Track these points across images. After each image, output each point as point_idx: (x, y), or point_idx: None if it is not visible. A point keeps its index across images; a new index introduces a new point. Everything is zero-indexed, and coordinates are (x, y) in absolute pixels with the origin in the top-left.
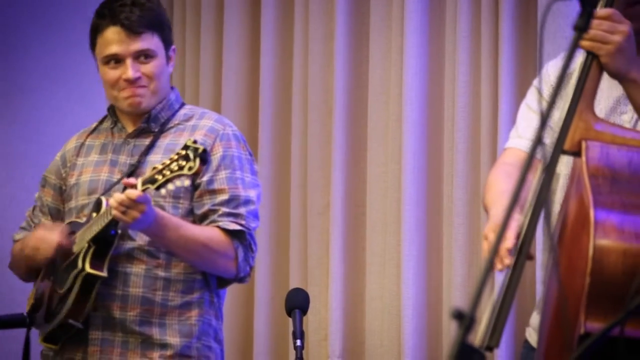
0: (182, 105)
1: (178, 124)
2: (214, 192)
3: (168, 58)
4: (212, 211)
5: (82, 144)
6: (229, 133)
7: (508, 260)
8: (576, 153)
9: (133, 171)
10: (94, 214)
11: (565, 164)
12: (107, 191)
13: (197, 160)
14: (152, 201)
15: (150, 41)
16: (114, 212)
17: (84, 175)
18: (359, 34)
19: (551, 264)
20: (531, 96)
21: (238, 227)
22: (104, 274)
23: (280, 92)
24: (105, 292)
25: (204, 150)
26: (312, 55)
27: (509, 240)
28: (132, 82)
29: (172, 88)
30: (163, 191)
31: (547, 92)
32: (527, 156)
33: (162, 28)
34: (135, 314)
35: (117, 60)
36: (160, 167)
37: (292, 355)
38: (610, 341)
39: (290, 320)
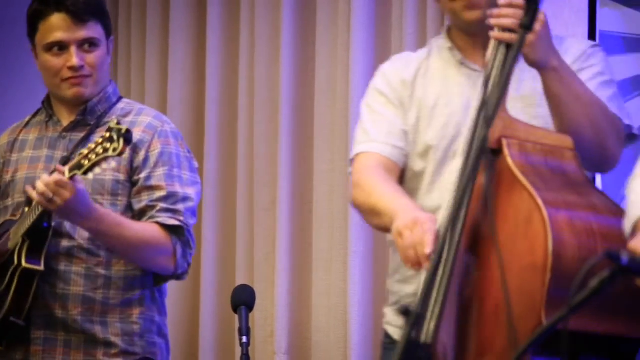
0: (120, 98)
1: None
2: (151, 189)
3: (108, 49)
4: (150, 207)
5: (16, 140)
6: (167, 130)
7: (425, 263)
8: (494, 151)
9: (65, 163)
10: (27, 209)
11: (431, 161)
12: None
13: (121, 141)
14: (88, 193)
15: (95, 29)
16: (37, 199)
17: (20, 172)
18: (305, 31)
19: (473, 269)
20: (373, 98)
21: (177, 223)
22: (41, 267)
23: (227, 89)
24: (46, 291)
25: (127, 130)
26: (259, 52)
27: (428, 247)
28: (76, 70)
29: (111, 81)
30: (91, 175)
31: (392, 95)
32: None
33: (105, 17)
34: (77, 312)
35: (61, 47)
36: (85, 152)
37: (238, 352)
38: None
39: (236, 316)
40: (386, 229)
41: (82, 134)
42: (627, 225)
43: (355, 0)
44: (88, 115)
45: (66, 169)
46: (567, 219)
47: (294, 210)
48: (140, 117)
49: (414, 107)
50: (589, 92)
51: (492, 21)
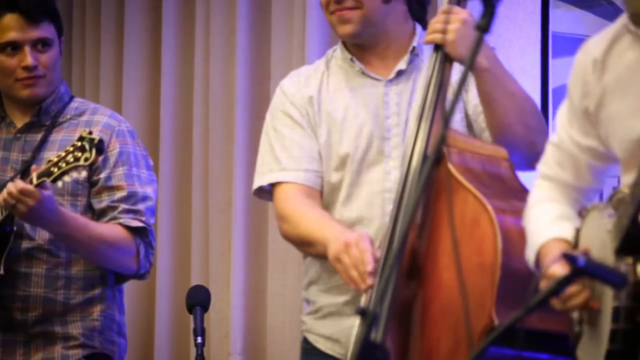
0: (72, 98)
1: (70, 118)
2: (112, 189)
3: (60, 49)
4: (111, 207)
5: None
6: (124, 129)
7: (370, 281)
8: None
9: (27, 168)
10: None
11: (347, 172)
12: (1, 189)
13: (94, 151)
14: (54, 199)
15: (48, 30)
16: (4, 203)
17: None
18: (260, 29)
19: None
20: (279, 120)
21: (140, 224)
22: (1, 272)
23: (182, 88)
24: (6, 293)
25: (100, 141)
26: (214, 50)
27: (369, 264)
28: (30, 71)
29: (62, 80)
30: (60, 184)
31: (297, 114)
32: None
33: (57, 18)
34: (37, 314)
35: (14, 47)
36: (55, 159)
37: (193, 353)
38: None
39: (191, 317)
40: (322, 257)
41: (38, 135)
42: (530, 254)
43: (310, 0)
44: (42, 116)
45: (34, 175)
46: (512, 220)
47: (249, 211)
48: (95, 117)
49: (323, 122)
50: (521, 89)
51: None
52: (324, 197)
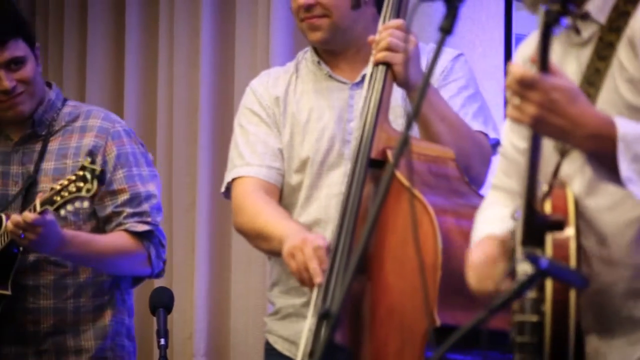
0: (65, 102)
1: (65, 125)
2: (114, 193)
3: (35, 57)
4: (116, 213)
5: None
6: (119, 130)
7: (319, 279)
8: (377, 163)
9: (32, 183)
10: None
11: (308, 175)
12: (8, 205)
13: (95, 182)
14: (53, 211)
15: (17, 47)
16: (11, 234)
17: None
18: (225, 32)
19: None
20: (245, 118)
21: (146, 228)
22: (8, 292)
23: (146, 90)
24: (16, 307)
25: (102, 172)
26: (178, 53)
27: (323, 263)
28: (9, 93)
29: (49, 85)
30: (62, 212)
31: (264, 113)
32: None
33: (24, 30)
34: (49, 325)
35: None
36: (58, 187)
37: (157, 354)
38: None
39: (154, 318)
40: (275, 253)
41: (36, 146)
42: (473, 240)
43: (275, 2)
44: (37, 127)
45: (38, 203)
46: (454, 220)
47: (213, 212)
48: (89, 121)
49: (288, 123)
50: (453, 113)
51: (374, 46)
52: (284, 198)
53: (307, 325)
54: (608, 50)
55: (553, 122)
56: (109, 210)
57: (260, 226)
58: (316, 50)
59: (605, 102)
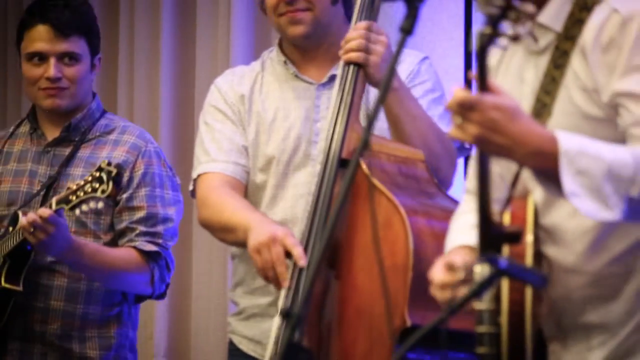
0: (103, 113)
1: (99, 135)
2: (132, 209)
3: (92, 65)
4: (129, 229)
5: (0, 151)
6: (150, 150)
7: (286, 283)
8: (348, 163)
9: (52, 184)
10: (10, 228)
11: (273, 174)
12: (27, 204)
13: (110, 184)
14: (71, 219)
15: (76, 44)
16: (23, 232)
17: (3, 184)
18: (185, 32)
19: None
20: (211, 115)
21: (154, 249)
22: (19, 287)
23: (106, 91)
24: (26, 304)
25: (118, 174)
26: (138, 54)
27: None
28: (53, 82)
29: (94, 95)
30: (77, 211)
31: (229, 111)
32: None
33: (90, 34)
34: (56, 327)
35: (41, 57)
36: (74, 187)
37: None
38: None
39: None
40: (240, 244)
41: (66, 150)
42: (446, 251)
43: (236, 2)
44: (72, 132)
45: (54, 201)
46: (425, 221)
47: None
48: (124, 136)
49: (253, 121)
50: (425, 114)
51: (343, 45)
52: (249, 196)
53: (275, 326)
54: (563, 58)
55: (494, 140)
56: (124, 224)
57: (225, 218)
58: (282, 50)
59: (561, 111)
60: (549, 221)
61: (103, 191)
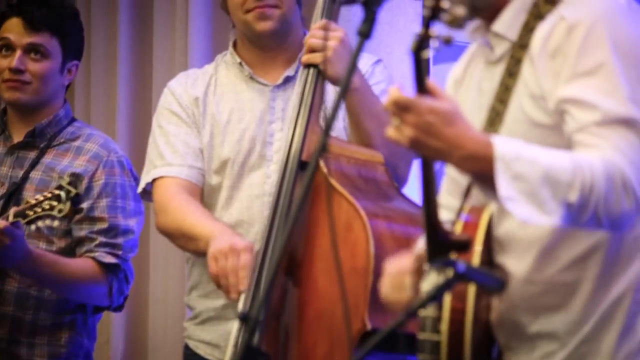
0: (71, 121)
1: (63, 142)
2: (93, 220)
3: (65, 69)
4: (89, 239)
5: None
6: (113, 160)
7: (235, 295)
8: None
9: (15, 190)
10: None
11: (228, 175)
12: None
13: (68, 204)
14: (25, 225)
15: (46, 40)
16: None
17: None
18: (142, 35)
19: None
20: (165, 118)
21: (113, 261)
22: None
23: None
24: None
25: (76, 194)
26: (95, 56)
27: (242, 284)
28: (14, 73)
29: (65, 102)
30: (33, 226)
31: (184, 113)
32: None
33: (66, 36)
34: (4, 332)
35: (8, 48)
36: (33, 202)
37: None
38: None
39: None
40: (200, 254)
41: (31, 154)
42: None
43: (193, 4)
44: (37, 137)
45: (11, 213)
46: (385, 225)
47: None
48: (87, 144)
49: (207, 124)
50: (385, 112)
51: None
52: (204, 198)
53: (234, 329)
54: (516, 67)
55: (429, 144)
56: (83, 233)
57: (187, 227)
58: (237, 52)
59: (513, 120)
60: (502, 231)
61: (60, 211)
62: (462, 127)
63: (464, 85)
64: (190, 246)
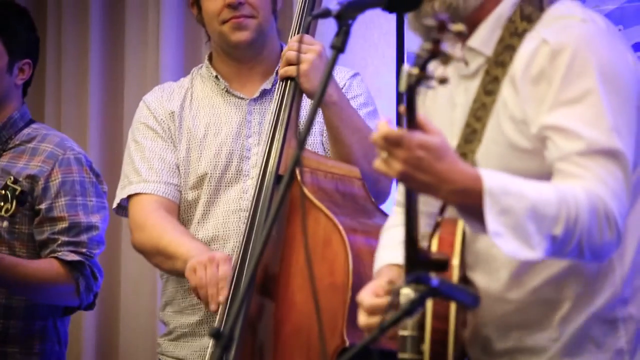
0: (29, 123)
1: (19, 144)
2: (53, 220)
3: (15, 69)
4: (51, 240)
5: None
6: (69, 157)
7: (214, 307)
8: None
9: None
10: None
11: (205, 191)
12: None
13: (14, 203)
14: None
15: None
16: None
17: None
18: (114, 47)
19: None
20: (141, 133)
21: (77, 258)
22: None
23: (33, 105)
24: None
25: (22, 192)
26: (66, 69)
27: (222, 294)
28: None
29: (22, 104)
30: None
31: (160, 128)
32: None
33: (10, 35)
34: None
35: None
36: None
37: None
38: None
39: None
40: (177, 273)
41: None
42: (375, 268)
43: (165, 18)
44: None
45: None
46: (364, 240)
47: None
48: (42, 145)
49: (184, 138)
50: (365, 125)
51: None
52: (180, 213)
53: (210, 345)
54: (494, 85)
55: (419, 178)
56: (45, 235)
57: (164, 245)
58: (213, 65)
59: (491, 139)
60: (476, 248)
61: (7, 210)
62: (451, 162)
63: (429, 97)
64: (167, 265)
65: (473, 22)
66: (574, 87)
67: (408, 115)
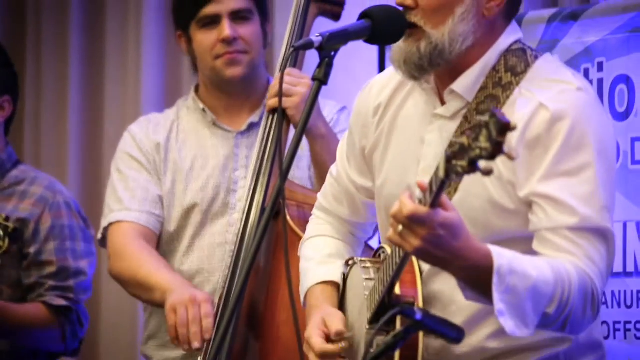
0: (16, 164)
1: (8, 187)
2: (41, 264)
3: None
4: (39, 284)
5: None
6: (59, 202)
7: (197, 344)
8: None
9: None
10: None
11: (191, 223)
12: None
13: (7, 240)
14: None
15: None
16: None
17: None
18: (94, 77)
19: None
20: (125, 163)
21: (64, 303)
22: None
23: (12, 136)
24: None
25: (15, 229)
26: (45, 102)
27: (207, 333)
28: None
29: (7, 145)
30: None
31: (144, 159)
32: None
33: None
34: None
35: None
36: None
37: None
38: None
39: None
40: (154, 304)
41: None
42: (301, 293)
43: (146, 20)
44: None
45: None
46: None
47: None
48: (32, 188)
49: (169, 170)
50: None
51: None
52: (162, 245)
53: None
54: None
55: (435, 254)
56: (33, 279)
57: (142, 276)
58: (200, 97)
59: (469, 191)
60: (435, 288)
61: None
62: (465, 239)
63: (390, 112)
64: (145, 295)
65: (456, 67)
66: (571, 159)
67: (434, 197)
